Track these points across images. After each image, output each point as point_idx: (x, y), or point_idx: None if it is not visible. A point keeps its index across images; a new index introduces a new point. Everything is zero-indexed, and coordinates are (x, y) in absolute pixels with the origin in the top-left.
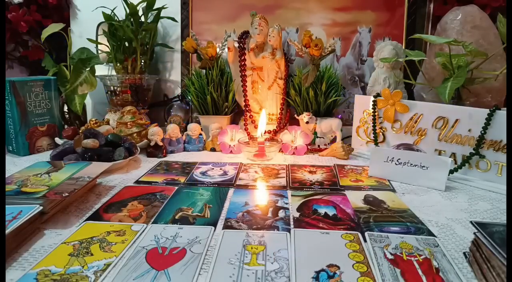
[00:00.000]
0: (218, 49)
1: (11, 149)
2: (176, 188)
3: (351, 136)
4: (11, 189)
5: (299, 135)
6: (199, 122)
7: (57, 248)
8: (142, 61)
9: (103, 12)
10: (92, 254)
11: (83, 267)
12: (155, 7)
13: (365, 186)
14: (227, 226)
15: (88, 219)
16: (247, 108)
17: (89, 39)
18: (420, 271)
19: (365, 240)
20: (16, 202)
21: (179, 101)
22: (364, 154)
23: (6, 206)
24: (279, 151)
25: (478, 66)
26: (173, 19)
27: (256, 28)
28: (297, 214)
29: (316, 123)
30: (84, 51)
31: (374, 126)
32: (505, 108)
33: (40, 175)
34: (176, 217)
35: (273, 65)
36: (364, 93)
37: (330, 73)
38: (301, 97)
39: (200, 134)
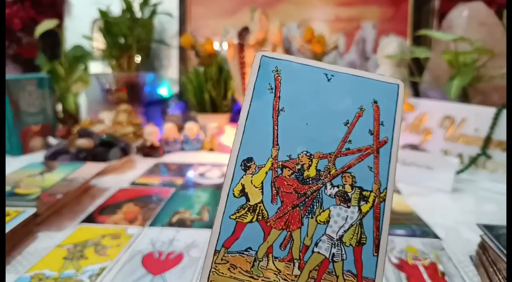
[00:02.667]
0: (217, 46)
1: None
2: (173, 189)
3: None
4: None
5: None
6: (196, 122)
7: (51, 252)
8: (138, 58)
9: (98, 8)
10: (86, 258)
11: (77, 271)
12: (151, 2)
13: None
14: None
15: (82, 222)
16: None
17: (85, 36)
18: (425, 275)
19: None
20: (8, 204)
21: (176, 100)
22: None
23: None
24: None
25: (484, 64)
26: (169, 14)
27: (256, 24)
28: None
29: None
30: (79, 48)
31: None
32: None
33: (33, 176)
34: (173, 220)
35: None
36: None
37: None
38: None
39: (198, 134)
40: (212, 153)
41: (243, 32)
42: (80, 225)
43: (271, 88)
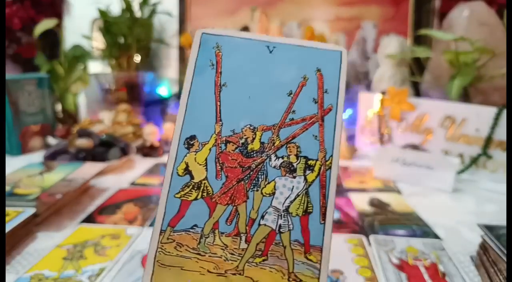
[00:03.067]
0: None
1: None
2: None
3: (355, 136)
4: None
5: None
6: None
7: (50, 252)
8: (138, 57)
9: (98, 8)
10: (86, 258)
11: (77, 271)
12: (151, 2)
13: (369, 187)
14: None
15: (82, 222)
16: None
17: (84, 36)
18: (426, 276)
19: (369, 244)
20: (8, 204)
21: (176, 100)
22: (369, 154)
23: None
24: None
25: (485, 64)
26: (169, 14)
27: (256, 23)
28: None
29: None
30: (78, 48)
31: (379, 125)
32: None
33: (33, 176)
34: None
35: None
36: (369, 91)
37: None
38: None
39: None
40: None
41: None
42: (79, 225)
43: (212, 65)
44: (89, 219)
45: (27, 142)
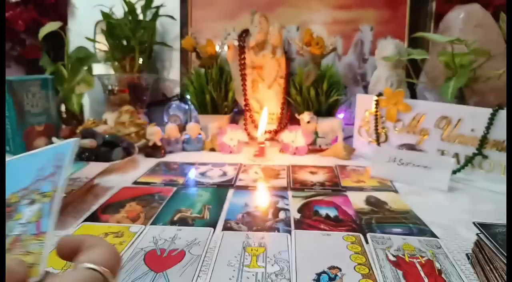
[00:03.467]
0: (217, 48)
1: (8, 149)
2: (175, 188)
3: (352, 136)
4: None
5: (300, 135)
6: (198, 122)
7: (54, 250)
8: (141, 59)
9: (101, 11)
10: None
11: None
12: (153, 5)
13: (367, 186)
14: (226, 228)
15: (85, 220)
16: (247, 108)
17: (88, 38)
18: (422, 273)
19: (367, 242)
20: None
21: (178, 101)
22: (366, 154)
23: None
24: (280, 151)
25: (481, 65)
26: (171, 17)
27: (256, 26)
28: (298, 215)
29: (317, 123)
30: (82, 50)
31: (376, 126)
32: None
33: None
34: (175, 218)
35: (274, 63)
36: (366, 93)
37: (331, 72)
38: (302, 97)
39: (199, 134)
40: (213, 153)
41: (244, 34)
42: (83, 224)
43: None
44: (93, 217)
45: (31, 142)
